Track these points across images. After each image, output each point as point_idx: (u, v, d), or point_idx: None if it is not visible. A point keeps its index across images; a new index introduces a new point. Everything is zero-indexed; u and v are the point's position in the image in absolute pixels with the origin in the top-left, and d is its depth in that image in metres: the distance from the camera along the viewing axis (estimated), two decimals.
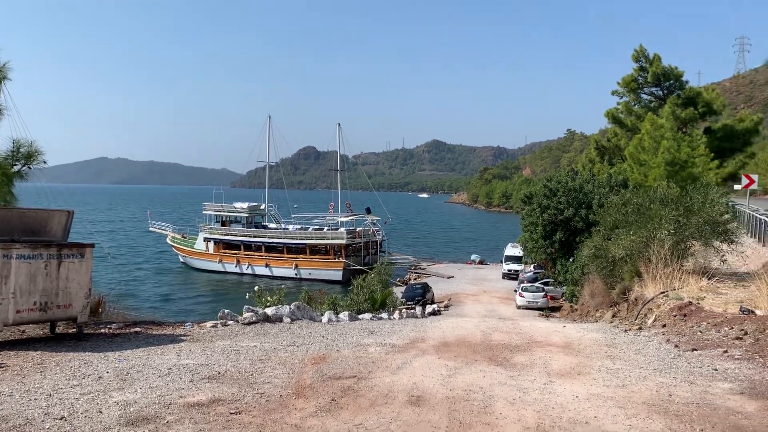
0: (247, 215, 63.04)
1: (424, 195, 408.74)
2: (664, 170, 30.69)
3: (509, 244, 55.33)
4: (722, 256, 17.34)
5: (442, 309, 33.62)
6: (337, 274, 54.52)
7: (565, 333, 12.56)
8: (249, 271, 59.05)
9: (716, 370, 8.30)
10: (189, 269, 62.59)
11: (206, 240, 61.68)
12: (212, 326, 12.46)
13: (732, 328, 10.47)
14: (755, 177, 33.03)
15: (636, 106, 45.09)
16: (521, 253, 50.02)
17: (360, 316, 16.98)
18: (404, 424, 6.20)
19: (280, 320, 13.25)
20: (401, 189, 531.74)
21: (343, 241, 55.52)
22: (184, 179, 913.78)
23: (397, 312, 23.29)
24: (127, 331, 11.73)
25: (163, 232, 70.35)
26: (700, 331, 10.89)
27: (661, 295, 14.37)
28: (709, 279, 15.38)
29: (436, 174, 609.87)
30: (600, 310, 20.19)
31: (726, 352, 9.25)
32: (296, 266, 56.62)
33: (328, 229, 60.53)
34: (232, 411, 6.51)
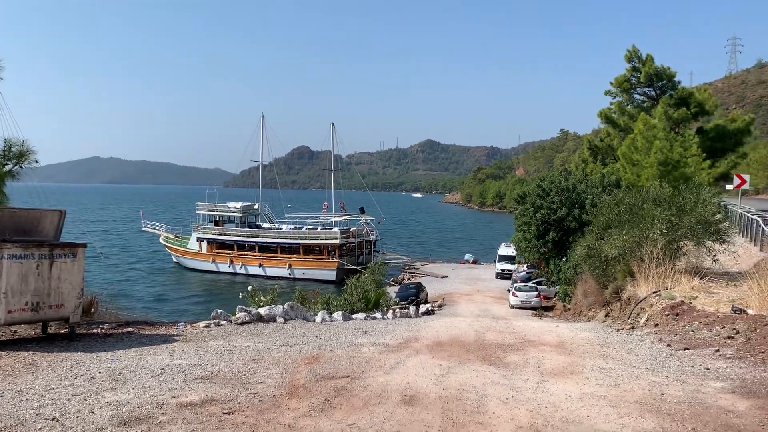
0: (240, 215, 62.89)
1: (418, 195, 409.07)
2: (657, 170, 30.81)
3: (503, 244, 55.39)
4: (714, 255, 17.42)
5: (435, 308, 33.64)
6: (331, 274, 54.47)
7: (558, 332, 12.59)
8: (242, 271, 58.91)
9: (708, 369, 8.35)
10: (182, 269, 62.41)
11: (199, 240, 61.49)
12: (205, 326, 12.43)
13: (724, 327, 10.53)
14: (747, 177, 33.22)
15: (629, 106, 45.25)
16: (514, 253, 50.08)
17: (353, 316, 16.97)
18: (397, 424, 6.20)
19: (274, 320, 13.23)
20: (395, 189, 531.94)
21: (337, 241, 55.47)
22: (177, 179, 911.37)
23: (390, 312, 23.31)
24: (120, 331, 11.68)
25: (156, 231, 70.14)
26: (692, 331, 10.94)
27: (654, 295, 14.43)
28: (701, 278, 15.45)
29: (430, 174, 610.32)
30: (593, 310, 20.25)
31: (718, 351, 9.30)
32: (290, 266, 56.54)
33: (321, 229, 60.48)
34: (225, 411, 6.49)
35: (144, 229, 72.50)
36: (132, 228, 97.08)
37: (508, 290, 38.75)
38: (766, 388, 7.24)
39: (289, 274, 55.90)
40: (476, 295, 42.22)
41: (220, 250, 60.49)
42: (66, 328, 10.89)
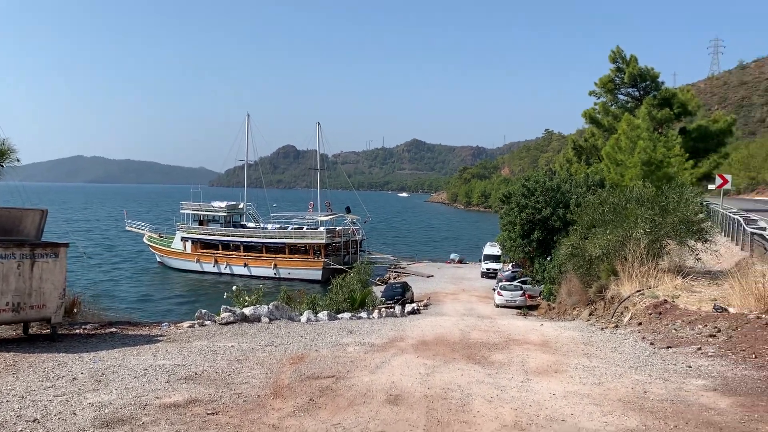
0: (225, 214, 62.54)
1: (404, 194, 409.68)
2: (641, 170, 31.08)
3: (488, 243, 55.61)
4: (696, 254, 17.60)
5: (421, 308, 33.69)
6: (317, 274, 54.35)
7: (542, 331, 12.66)
8: (227, 270, 58.62)
9: (690, 367, 8.43)
10: (166, 269, 61.97)
11: (184, 239, 61.08)
12: (189, 326, 12.35)
13: (706, 325, 10.64)
14: (729, 177, 33.59)
15: (613, 107, 45.60)
16: (500, 252, 50.33)
17: (339, 316, 16.94)
18: (382, 423, 6.20)
19: (259, 320, 13.17)
20: (381, 188, 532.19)
21: (323, 241, 55.35)
22: (162, 178, 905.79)
23: (376, 311, 23.30)
24: (103, 331, 11.57)
25: (140, 231, 69.58)
26: (675, 329, 11.04)
27: (637, 294, 14.55)
28: (683, 277, 15.60)
29: (416, 173, 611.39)
30: (577, 309, 20.39)
31: (700, 349, 9.39)
32: (275, 266, 56.33)
33: (307, 229, 60.31)
34: (209, 411, 6.45)
35: (128, 228, 71.89)
36: (116, 228, 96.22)
37: (494, 289, 38.91)
38: (747, 386, 7.33)
39: (275, 273, 55.70)
40: (462, 295, 42.34)
41: (205, 250, 60.14)
42: (48, 328, 10.77)
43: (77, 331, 11.52)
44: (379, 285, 45.08)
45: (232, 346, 10.13)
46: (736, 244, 23.01)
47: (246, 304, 15.59)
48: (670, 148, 33.26)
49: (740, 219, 23.23)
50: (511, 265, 47.97)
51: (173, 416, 6.27)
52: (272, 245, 57.63)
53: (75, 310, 13.22)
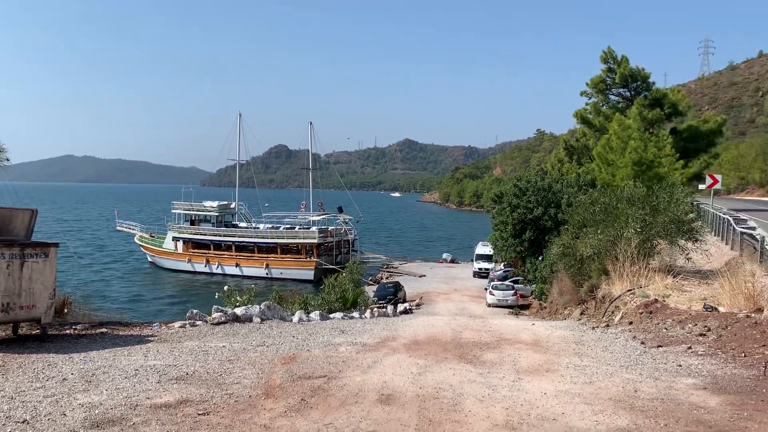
0: (216, 214, 62.35)
1: (396, 194, 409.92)
2: (632, 170, 31.23)
3: (480, 243, 55.73)
4: (687, 254, 17.70)
5: (413, 307, 33.71)
6: (309, 274, 54.28)
7: (534, 330, 12.69)
8: (219, 270, 58.45)
9: (680, 366, 8.47)
10: (157, 269, 61.73)
11: (175, 239, 60.87)
12: (180, 327, 12.29)
13: (696, 324, 10.70)
14: (719, 177, 33.83)
15: (604, 107, 45.82)
16: (492, 252, 50.46)
17: (331, 316, 16.92)
18: (374, 423, 6.20)
19: (250, 320, 13.13)
20: (373, 188, 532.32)
21: (315, 241, 55.29)
22: (153, 177, 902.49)
23: (368, 311, 23.26)
24: (93, 331, 11.51)
25: (131, 231, 69.26)
26: (666, 328, 11.10)
27: (628, 293, 14.62)
28: (674, 277, 15.69)
29: (409, 173, 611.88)
30: (568, 308, 20.47)
31: (690, 348, 9.45)
32: (267, 266, 56.21)
33: (299, 228, 60.23)
34: (200, 412, 6.43)
35: (119, 228, 71.57)
36: (106, 227, 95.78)
37: (486, 289, 39.01)
38: (737, 385, 7.38)
39: (267, 273, 55.58)
40: (454, 294, 42.41)
41: (196, 250, 59.94)
42: (38, 329, 10.70)
43: (67, 331, 11.45)
44: (372, 285, 45.08)
45: (223, 346, 10.10)
46: (726, 244, 23.15)
47: (237, 304, 15.54)
48: (661, 148, 33.45)
49: (730, 219, 23.37)
50: (502, 264, 48.12)
51: (164, 417, 6.24)
52: (264, 245, 57.51)
53: (65, 310, 13.14)
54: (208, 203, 64.03)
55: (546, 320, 19.07)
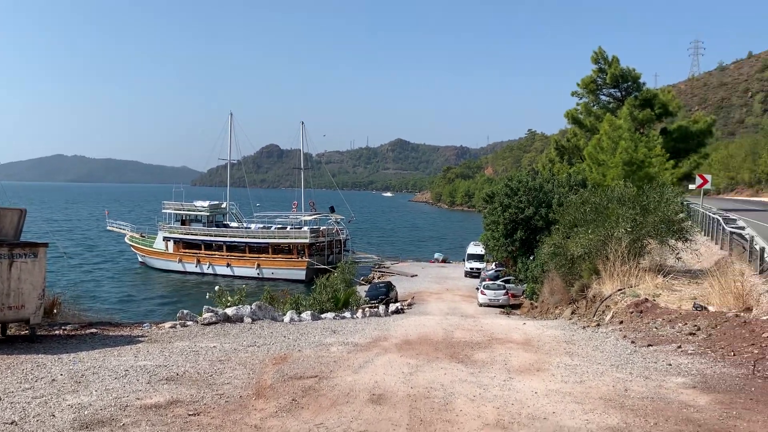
0: (207, 214, 62.12)
1: (388, 194, 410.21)
2: (622, 170, 31.40)
3: (471, 243, 55.81)
4: (677, 253, 17.81)
5: (405, 307, 33.72)
6: (301, 274, 54.19)
7: (525, 330, 12.72)
8: (210, 271, 58.23)
9: (670, 365, 8.51)
10: (148, 269, 61.45)
11: (166, 239, 60.60)
12: (171, 327, 12.25)
13: (686, 324, 10.76)
14: (708, 177, 34.02)
15: (595, 107, 46.03)
16: (483, 252, 50.55)
17: (323, 316, 16.91)
18: (365, 423, 6.19)
19: (241, 320, 13.10)
20: (365, 188, 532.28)
21: (307, 240, 55.20)
22: (143, 177, 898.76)
23: (360, 311, 23.27)
24: (83, 332, 11.44)
25: (122, 231, 68.91)
26: (656, 327, 11.15)
27: (619, 292, 14.68)
28: (664, 276, 15.78)
29: (400, 173, 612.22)
30: (559, 307, 20.53)
31: (680, 347, 9.49)
32: (258, 266, 56.07)
33: (291, 228, 60.10)
34: (191, 412, 6.40)
35: (109, 228, 71.18)
36: (97, 227, 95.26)
37: (477, 288, 39.07)
38: (726, 383, 7.42)
39: (258, 273, 55.44)
40: (445, 294, 42.46)
41: (187, 250, 59.71)
42: (26, 329, 10.63)
43: (57, 332, 11.38)
44: (363, 285, 45.06)
45: (214, 346, 10.06)
46: (716, 243, 23.28)
47: (228, 304, 15.49)
48: (651, 148, 33.64)
49: (720, 218, 23.50)
50: (494, 264, 48.20)
51: (154, 417, 6.21)
52: (255, 245, 57.37)
53: (55, 310, 13.07)
54: (199, 203, 63.78)
55: (537, 320, 19.13)
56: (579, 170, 41.48)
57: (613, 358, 9.20)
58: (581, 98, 46.73)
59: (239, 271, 56.42)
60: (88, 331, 11.51)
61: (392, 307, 30.97)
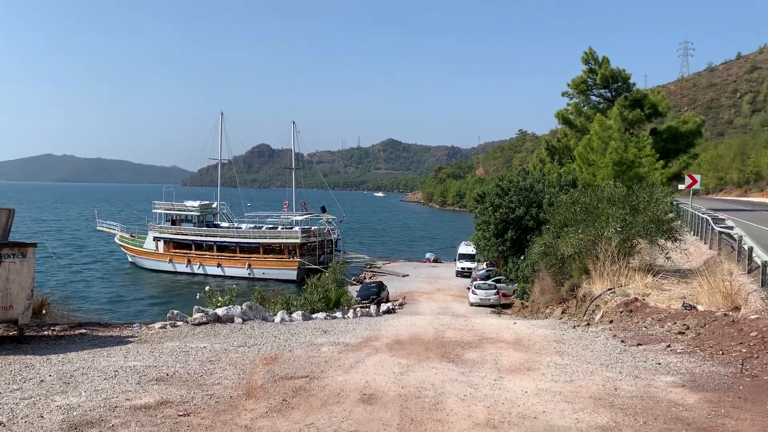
0: (198, 214, 61.87)
1: (380, 194, 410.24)
2: (612, 170, 31.55)
3: (463, 243, 55.89)
4: (666, 253, 17.91)
5: (396, 307, 33.72)
6: (292, 274, 54.09)
7: (515, 329, 12.75)
8: (200, 271, 58.02)
9: (660, 364, 8.56)
10: (138, 269, 61.14)
11: (156, 239, 60.33)
12: (161, 327, 12.19)
13: (675, 323, 10.82)
14: (698, 177, 34.19)
15: (585, 108, 46.19)
16: (474, 252, 50.64)
17: (314, 316, 16.89)
18: (356, 423, 6.19)
19: (232, 321, 13.06)
20: (357, 188, 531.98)
21: (298, 240, 55.10)
22: (134, 177, 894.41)
23: (351, 311, 23.26)
24: (72, 332, 11.37)
25: (112, 231, 68.53)
26: (645, 327, 11.21)
27: (609, 292, 14.75)
28: (654, 276, 15.87)
29: (392, 173, 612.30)
30: (550, 307, 20.60)
31: (669, 346, 9.55)
32: (249, 266, 55.92)
33: (282, 228, 59.97)
34: (181, 413, 6.38)
35: (99, 228, 70.75)
36: (86, 227, 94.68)
37: (468, 288, 39.14)
38: (714, 382, 7.47)
39: (249, 274, 55.30)
40: (437, 294, 42.50)
41: (178, 250, 59.46)
42: (15, 330, 10.55)
43: (45, 332, 11.31)
44: (355, 285, 45.03)
45: (204, 346, 10.03)
46: (705, 243, 23.42)
47: (219, 304, 15.44)
48: (641, 148, 33.82)
49: (709, 218, 23.64)
50: (485, 264, 48.28)
51: (144, 418, 6.18)
52: (246, 245, 57.22)
53: (43, 311, 12.98)
54: (189, 203, 63.50)
55: (527, 319, 19.19)
56: (569, 170, 41.64)
57: (603, 358, 9.24)
58: (572, 99, 46.90)
59: (230, 271, 56.25)
60: (77, 332, 11.44)
61: (383, 307, 30.97)
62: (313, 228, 59.11)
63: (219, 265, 57.21)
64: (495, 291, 35.64)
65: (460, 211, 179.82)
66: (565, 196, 23.95)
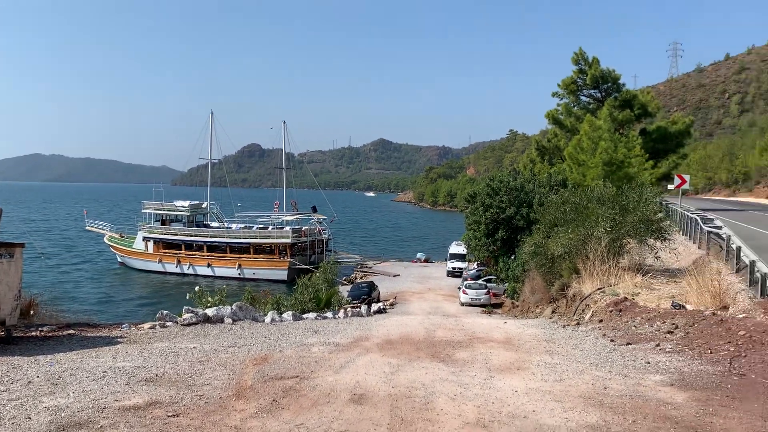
0: (188, 214, 61.57)
1: (371, 194, 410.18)
2: (602, 170, 31.68)
3: (454, 243, 55.94)
4: (656, 253, 18.02)
5: (387, 307, 33.70)
6: (282, 274, 53.96)
7: (505, 329, 12.78)
8: (190, 271, 57.77)
9: (649, 363, 8.61)
10: (128, 270, 60.80)
11: (146, 239, 60.00)
12: (150, 328, 12.13)
13: (664, 322, 10.88)
14: (687, 177, 34.37)
15: (575, 108, 46.33)
16: (465, 251, 50.70)
17: (304, 316, 16.85)
18: (346, 423, 6.18)
19: (222, 321, 13.01)
20: (348, 188, 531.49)
21: (289, 240, 54.97)
22: (123, 176, 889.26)
23: (342, 311, 23.22)
24: (60, 333, 11.30)
25: (101, 231, 68.12)
26: (635, 326, 11.27)
27: (598, 291, 14.82)
28: (643, 275, 15.96)
29: (383, 173, 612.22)
30: (540, 306, 20.67)
31: (658, 345, 9.60)
32: (240, 266, 55.75)
33: (272, 228, 59.81)
34: (170, 414, 6.35)
35: (88, 228, 70.31)
36: (75, 227, 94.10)
37: (459, 288, 39.19)
38: (702, 381, 7.52)
39: (239, 274, 55.13)
40: (428, 294, 42.52)
41: (167, 250, 59.17)
42: (2, 331, 10.46)
43: (33, 333, 11.23)
44: (346, 285, 44.98)
45: (194, 347, 9.99)
46: (694, 243, 23.56)
47: (209, 304, 15.39)
48: (631, 148, 33.98)
49: (698, 218, 23.78)
50: (476, 263, 48.37)
51: (133, 419, 6.15)
52: (236, 245, 57.03)
53: (32, 312, 12.90)
54: (179, 203, 63.17)
55: (518, 319, 19.24)
56: (559, 170, 41.79)
57: (592, 357, 9.28)
58: (562, 99, 47.03)
59: (220, 271, 56.06)
60: (65, 333, 11.37)
61: (374, 306, 30.95)
62: (303, 228, 58.97)
63: (209, 266, 56.99)
64: (486, 291, 35.70)
65: (451, 211, 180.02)
66: (555, 196, 24.03)
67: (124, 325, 12.64)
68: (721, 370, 7.90)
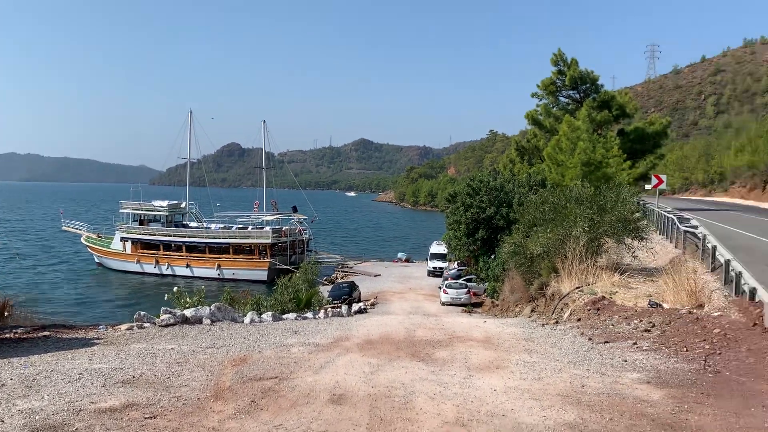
0: (166, 214, 61.00)
1: (352, 193, 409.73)
2: (580, 170, 31.98)
3: (434, 242, 56.11)
4: (633, 252, 18.20)
5: (368, 307, 33.71)
6: (262, 274, 53.71)
7: (485, 328, 12.84)
8: (169, 271, 57.27)
9: (626, 361, 8.70)
10: (105, 270, 60.11)
11: (123, 240, 59.37)
12: (127, 329, 12.00)
13: (641, 321, 11.01)
14: (664, 177, 34.78)
15: (554, 108, 46.71)
16: (446, 251, 50.88)
17: (284, 316, 16.79)
18: (325, 423, 6.17)
19: (200, 322, 12.91)
20: (328, 187, 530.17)
21: (269, 241, 54.72)
22: (100, 176, 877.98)
23: (322, 311, 23.17)
24: (35, 335, 11.12)
25: (78, 231, 67.25)
26: (612, 325, 11.38)
27: (577, 290, 14.94)
28: (621, 274, 16.13)
29: (364, 172, 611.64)
30: (519, 305, 20.79)
31: (635, 343, 9.71)
32: (219, 266, 55.39)
33: (252, 228, 59.51)
34: (147, 415, 6.28)
35: (65, 228, 69.38)
36: (52, 228, 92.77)
37: (440, 287, 39.31)
38: (678, 378, 7.62)
39: (219, 274, 54.79)
40: (409, 293, 42.59)
41: (146, 251, 58.62)
42: None
43: (7, 335, 11.04)
44: (326, 285, 44.90)
45: (172, 348, 9.89)
46: (671, 242, 23.85)
47: (187, 305, 15.26)
48: (609, 149, 34.34)
49: (674, 218, 24.08)
50: (456, 263, 48.55)
51: (109, 421, 6.07)
52: (216, 245, 56.65)
53: (5, 313, 12.67)
54: (157, 203, 62.57)
55: (498, 318, 19.34)
56: (539, 170, 42.10)
57: (570, 355, 9.36)
58: (541, 99, 47.40)
59: (199, 272, 55.66)
60: (40, 334, 11.19)
61: (355, 307, 30.93)
62: (284, 228, 58.74)
63: (188, 266, 56.56)
64: (466, 290, 35.86)
65: (431, 211, 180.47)
66: (535, 195, 24.21)
67: (101, 327, 12.48)
68: (696, 368, 8.01)
